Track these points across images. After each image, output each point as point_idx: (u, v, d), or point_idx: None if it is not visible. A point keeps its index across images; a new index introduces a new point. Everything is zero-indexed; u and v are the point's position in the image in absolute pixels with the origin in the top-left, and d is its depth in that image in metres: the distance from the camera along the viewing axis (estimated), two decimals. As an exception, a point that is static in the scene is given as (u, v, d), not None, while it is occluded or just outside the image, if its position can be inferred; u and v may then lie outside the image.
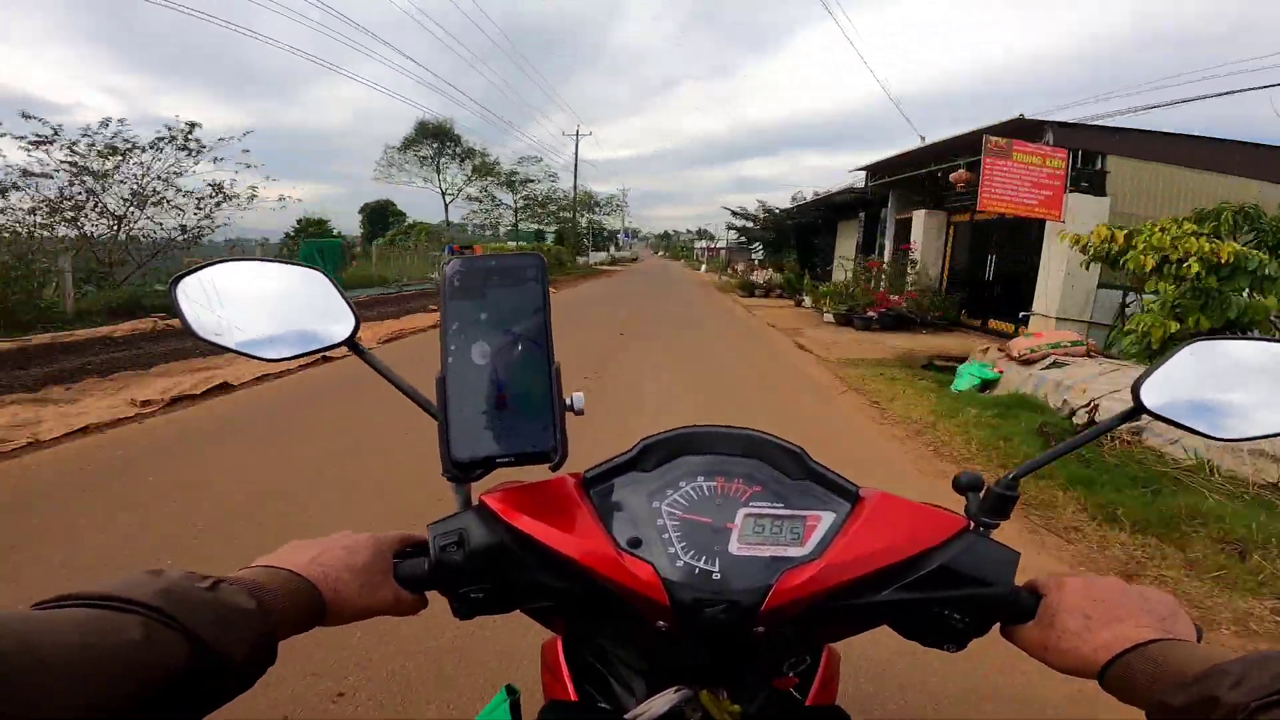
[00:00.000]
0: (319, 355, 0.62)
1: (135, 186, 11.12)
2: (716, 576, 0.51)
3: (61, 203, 10.28)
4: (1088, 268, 7.54)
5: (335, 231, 27.52)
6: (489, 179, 34.49)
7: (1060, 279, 7.76)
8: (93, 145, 10.58)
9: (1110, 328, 7.12)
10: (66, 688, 0.29)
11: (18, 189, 10.01)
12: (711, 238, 78.31)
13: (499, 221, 36.52)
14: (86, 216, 10.56)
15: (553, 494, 0.55)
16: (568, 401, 0.53)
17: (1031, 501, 3.17)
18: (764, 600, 0.49)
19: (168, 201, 11.19)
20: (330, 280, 0.60)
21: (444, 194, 34.11)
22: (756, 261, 26.37)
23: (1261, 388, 0.53)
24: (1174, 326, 4.99)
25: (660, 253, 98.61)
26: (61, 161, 10.23)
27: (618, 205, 46.98)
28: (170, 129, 11.20)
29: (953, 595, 0.51)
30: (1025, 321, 8.33)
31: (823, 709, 0.62)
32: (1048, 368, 5.40)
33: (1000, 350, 6.47)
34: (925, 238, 11.55)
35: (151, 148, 10.99)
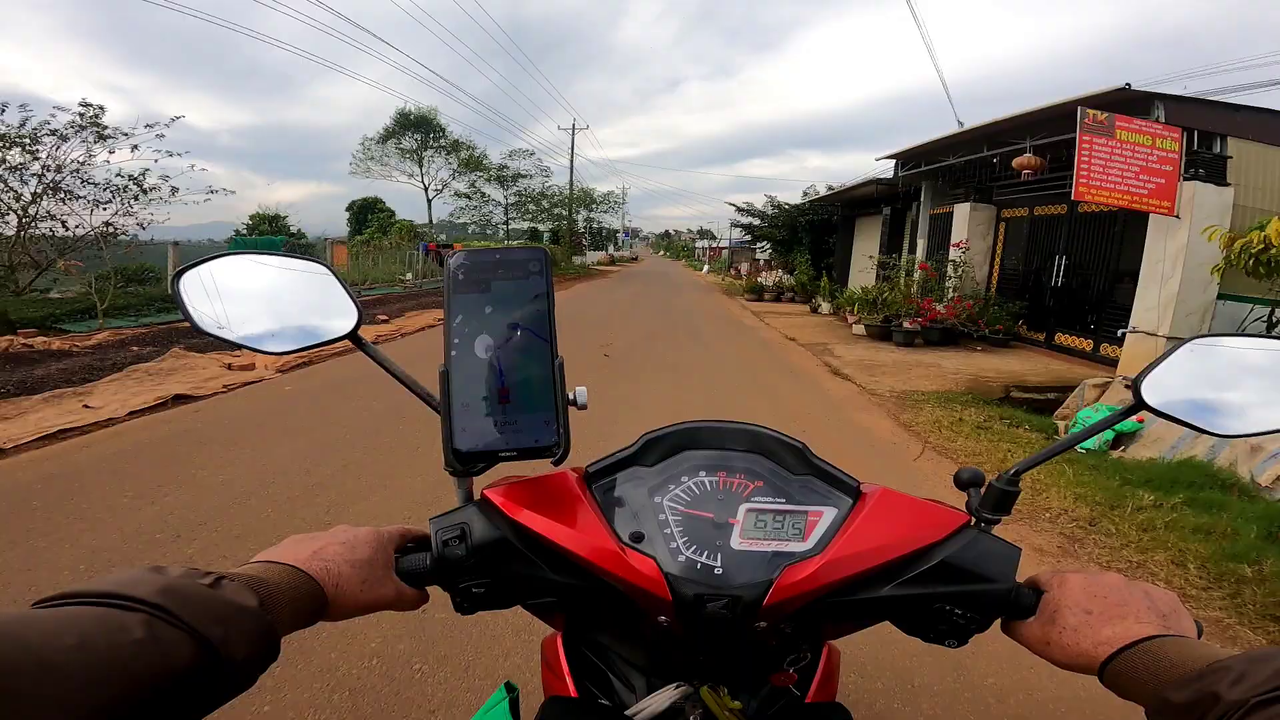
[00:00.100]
0: (318, 349, 0.62)
1: (45, 179, 9.42)
2: (718, 571, 0.51)
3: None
4: (1219, 275, 5.85)
5: (295, 229, 25.15)
6: (477, 173, 32.09)
7: (1174, 288, 6.05)
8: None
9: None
10: (67, 690, 0.28)
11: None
12: (713, 237, 76.72)
13: (489, 218, 34.26)
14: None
15: (555, 488, 0.55)
16: (571, 396, 0.53)
17: None
18: (766, 595, 0.50)
19: (72, 194, 9.45)
20: (334, 274, 0.60)
21: (427, 189, 31.74)
22: (763, 262, 24.62)
23: (1260, 385, 0.53)
24: None
25: (661, 252, 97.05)
26: None
27: (616, 203, 44.59)
28: (81, 114, 9.48)
29: (954, 591, 0.50)
30: (1122, 340, 6.63)
31: (823, 706, 0.62)
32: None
33: (1124, 383, 4.81)
34: (970, 235, 9.85)
35: (54, 134, 9.27)
